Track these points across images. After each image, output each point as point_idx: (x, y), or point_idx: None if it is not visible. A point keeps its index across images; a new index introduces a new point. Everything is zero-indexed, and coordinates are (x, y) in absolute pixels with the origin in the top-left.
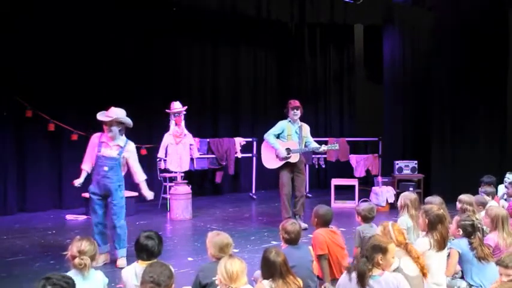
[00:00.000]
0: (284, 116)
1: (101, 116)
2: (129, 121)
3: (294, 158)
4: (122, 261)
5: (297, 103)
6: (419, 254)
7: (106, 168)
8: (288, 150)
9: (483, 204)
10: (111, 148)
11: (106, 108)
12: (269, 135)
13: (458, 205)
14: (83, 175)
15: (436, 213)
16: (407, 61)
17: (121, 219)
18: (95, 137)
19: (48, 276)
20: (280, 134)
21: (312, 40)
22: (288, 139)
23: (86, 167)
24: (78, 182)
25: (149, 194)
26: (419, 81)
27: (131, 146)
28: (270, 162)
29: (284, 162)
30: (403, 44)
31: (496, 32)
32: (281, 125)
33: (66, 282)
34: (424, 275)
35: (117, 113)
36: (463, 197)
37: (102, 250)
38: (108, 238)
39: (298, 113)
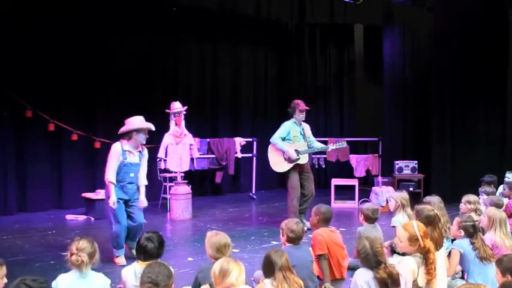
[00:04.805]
0: (286, 116)
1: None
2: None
3: (303, 160)
4: None
5: (306, 106)
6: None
7: (132, 175)
8: (297, 151)
9: (498, 206)
10: (135, 155)
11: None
12: (276, 139)
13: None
14: (113, 190)
15: (426, 214)
16: (407, 61)
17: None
18: (118, 146)
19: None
20: (286, 136)
21: (312, 40)
22: (294, 140)
23: (113, 179)
24: (113, 202)
25: (145, 201)
26: (419, 81)
27: (146, 151)
28: (279, 165)
29: (293, 164)
30: (403, 44)
31: (496, 32)
32: (287, 127)
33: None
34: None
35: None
36: (464, 197)
37: (123, 252)
38: None
39: (305, 115)
